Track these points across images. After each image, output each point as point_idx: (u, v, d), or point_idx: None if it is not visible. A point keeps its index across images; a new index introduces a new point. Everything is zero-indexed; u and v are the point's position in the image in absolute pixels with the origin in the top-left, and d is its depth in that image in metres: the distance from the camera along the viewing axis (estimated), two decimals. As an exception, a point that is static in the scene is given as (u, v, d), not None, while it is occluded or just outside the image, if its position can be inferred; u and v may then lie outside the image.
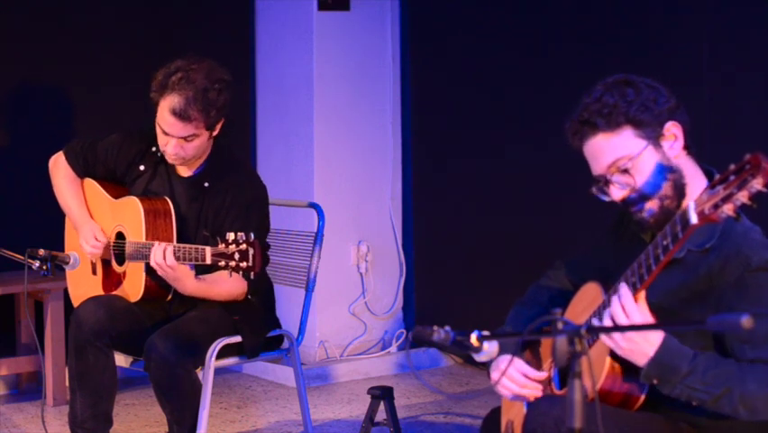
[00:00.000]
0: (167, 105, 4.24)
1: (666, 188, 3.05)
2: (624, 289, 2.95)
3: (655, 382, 2.95)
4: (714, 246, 3.04)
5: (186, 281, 4.22)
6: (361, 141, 6.36)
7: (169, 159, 4.36)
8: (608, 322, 2.95)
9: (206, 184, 4.40)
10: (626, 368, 3.01)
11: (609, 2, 5.52)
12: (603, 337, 2.96)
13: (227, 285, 4.29)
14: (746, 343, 2.94)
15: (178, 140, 4.27)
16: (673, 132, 3.08)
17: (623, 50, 5.29)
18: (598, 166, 3.09)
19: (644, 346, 2.92)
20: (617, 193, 3.07)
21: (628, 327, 2.99)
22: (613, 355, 3.00)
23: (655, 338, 2.92)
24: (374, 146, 6.39)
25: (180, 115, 4.21)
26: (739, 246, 3.01)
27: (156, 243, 4.18)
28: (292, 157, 6.31)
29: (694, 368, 2.92)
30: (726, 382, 2.91)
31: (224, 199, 4.35)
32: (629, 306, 2.93)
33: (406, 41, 6.36)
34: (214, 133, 4.35)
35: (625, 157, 3.05)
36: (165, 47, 6.03)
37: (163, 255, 4.10)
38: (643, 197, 3.05)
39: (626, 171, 3.05)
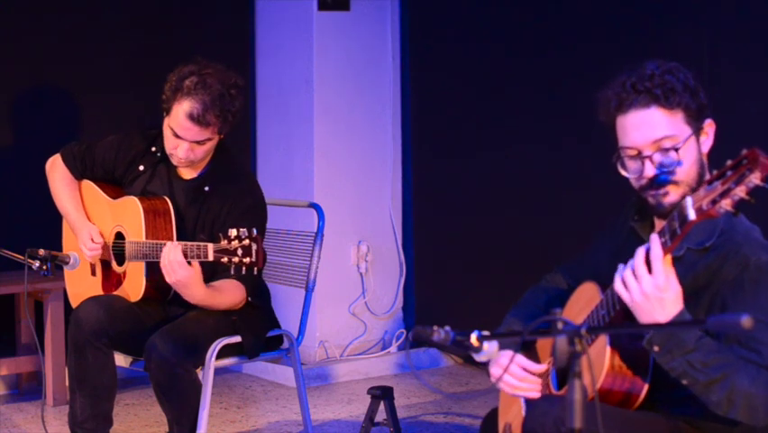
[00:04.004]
0: (183, 110, 4.21)
1: (693, 180, 3.04)
2: (655, 242, 2.87)
3: (656, 349, 2.91)
4: (714, 245, 3.04)
5: (195, 288, 4.17)
6: (361, 141, 6.36)
7: (177, 162, 4.35)
8: (627, 271, 2.90)
9: (207, 189, 4.39)
10: (629, 363, 3.01)
11: (609, 2, 5.53)
12: (618, 287, 2.90)
13: (230, 294, 4.28)
14: (735, 343, 2.94)
15: (191, 144, 4.26)
16: (707, 130, 3.11)
17: (623, 50, 5.29)
18: (640, 137, 3.04)
19: (657, 311, 2.87)
20: (649, 170, 3.04)
21: (627, 326, 2.99)
22: (613, 347, 3.00)
23: (671, 307, 2.88)
24: (374, 146, 6.39)
25: (198, 120, 4.19)
26: (740, 246, 3.01)
27: (165, 242, 4.18)
28: (292, 157, 6.31)
29: (700, 346, 2.88)
30: (724, 369, 2.89)
31: (223, 206, 4.35)
32: (656, 263, 2.86)
33: (406, 41, 6.36)
34: (222, 136, 4.35)
35: (673, 137, 3.03)
36: (165, 47, 6.04)
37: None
38: (671, 181, 3.03)
39: (667, 151, 3.03)
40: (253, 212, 4.38)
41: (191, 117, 4.20)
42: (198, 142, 4.26)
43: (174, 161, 4.36)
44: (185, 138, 4.25)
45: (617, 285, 2.92)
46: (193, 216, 4.39)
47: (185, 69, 4.27)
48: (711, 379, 2.89)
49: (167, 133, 4.30)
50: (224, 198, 4.36)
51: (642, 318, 2.90)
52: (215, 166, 4.42)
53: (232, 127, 4.31)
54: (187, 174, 4.44)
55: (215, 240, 3.98)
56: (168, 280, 4.10)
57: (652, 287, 2.86)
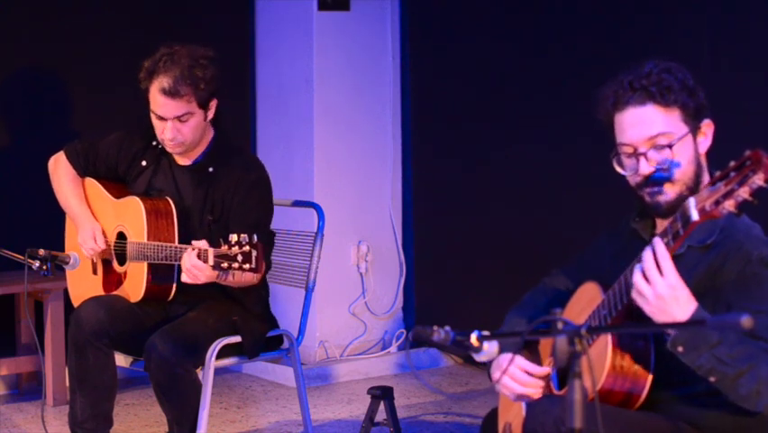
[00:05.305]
0: (156, 88, 4.28)
1: (689, 179, 3.05)
2: (659, 244, 2.88)
3: (680, 349, 2.90)
4: (715, 242, 3.04)
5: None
6: (361, 141, 6.36)
7: (169, 147, 4.36)
8: (637, 276, 2.90)
9: (211, 169, 4.41)
10: (630, 363, 3.01)
11: (610, 1, 5.53)
12: (634, 295, 2.90)
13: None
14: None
15: (173, 122, 4.28)
16: (705, 130, 3.11)
17: (623, 50, 5.29)
18: (636, 134, 3.05)
19: (675, 310, 2.86)
20: (645, 168, 3.04)
21: (627, 326, 2.99)
22: (615, 346, 3.00)
23: (687, 305, 2.87)
24: (374, 146, 6.39)
25: (170, 92, 4.24)
26: (741, 242, 3.02)
27: (166, 244, 4.20)
28: (292, 157, 6.31)
29: (724, 339, 2.88)
30: (750, 360, 2.88)
31: (229, 183, 4.36)
32: (665, 263, 2.87)
33: (406, 41, 6.36)
34: (210, 115, 4.35)
35: (668, 134, 3.03)
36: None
37: (204, 258, 3.98)
38: (667, 179, 3.04)
39: (662, 149, 3.03)
40: (260, 185, 4.40)
41: (164, 92, 4.25)
42: (179, 119, 4.28)
43: (168, 148, 4.39)
44: (165, 116, 4.29)
45: (636, 295, 2.90)
46: (200, 198, 4.39)
47: (156, 55, 4.35)
48: (739, 371, 2.88)
49: (153, 120, 4.35)
50: (230, 174, 4.38)
51: (661, 321, 2.88)
52: (215, 149, 4.44)
53: (211, 101, 4.32)
54: (187, 161, 4.45)
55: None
56: (189, 283, 4.12)
57: (665, 287, 2.86)
